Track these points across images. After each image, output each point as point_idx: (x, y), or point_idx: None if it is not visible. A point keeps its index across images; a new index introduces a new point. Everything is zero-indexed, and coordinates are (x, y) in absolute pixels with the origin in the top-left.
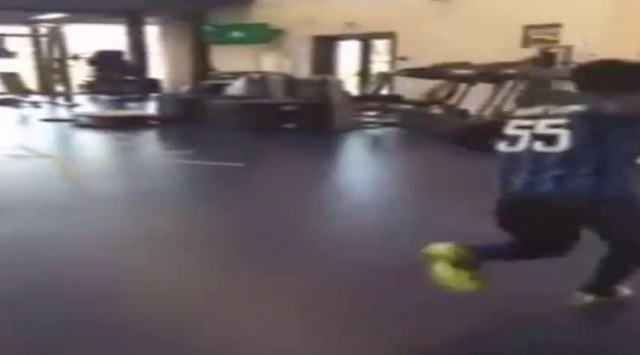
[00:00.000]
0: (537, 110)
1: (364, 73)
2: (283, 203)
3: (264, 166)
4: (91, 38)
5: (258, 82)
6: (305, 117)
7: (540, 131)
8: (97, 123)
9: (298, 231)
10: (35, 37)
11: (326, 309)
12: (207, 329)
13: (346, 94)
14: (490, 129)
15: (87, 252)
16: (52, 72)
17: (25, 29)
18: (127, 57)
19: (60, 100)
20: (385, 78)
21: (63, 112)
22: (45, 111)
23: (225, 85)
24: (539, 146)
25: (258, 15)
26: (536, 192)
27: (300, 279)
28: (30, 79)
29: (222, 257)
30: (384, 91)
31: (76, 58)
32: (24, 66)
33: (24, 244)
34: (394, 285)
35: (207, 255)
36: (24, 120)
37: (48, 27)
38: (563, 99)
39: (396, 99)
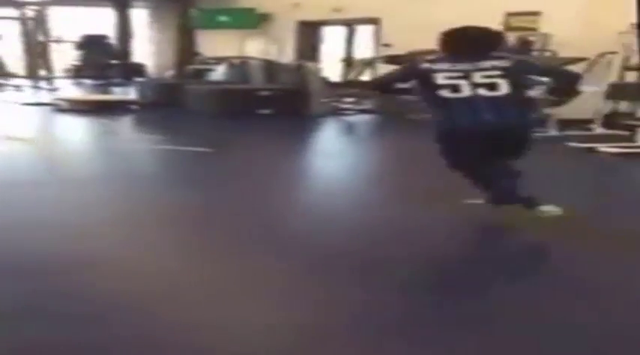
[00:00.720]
0: (465, 66)
1: (348, 60)
2: (244, 189)
3: (233, 151)
4: (79, 22)
5: (239, 67)
6: (282, 103)
7: (480, 81)
8: (77, 108)
9: (255, 216)
10: (21, 20)
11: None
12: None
13: (324, 80)
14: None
15: (55, 226)
16: (36, 55)
17: (11, 12)
18: (113, 41)
19: (43, 84)
20: (366, 64)
21: (44, 96)
22: (27, 94)
23: (208, 70)
24: (483, 92)
25: None
26: (482, 123)
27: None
28: (15, 63)
29: (181, 234)
30: (366, 78)
31: (59, 41)
32: (10, 49)
33: None
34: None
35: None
36: (4, 104)
37: (33, 9)
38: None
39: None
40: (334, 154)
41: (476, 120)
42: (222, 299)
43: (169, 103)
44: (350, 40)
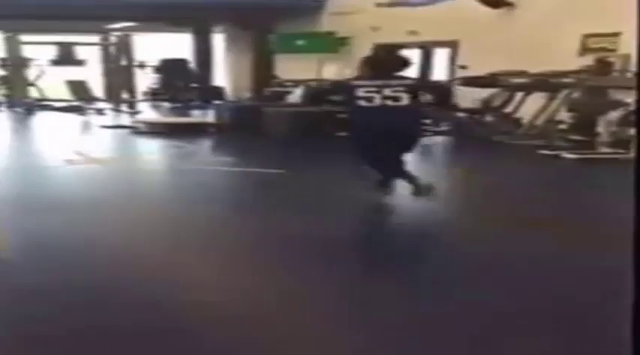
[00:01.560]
0: (378, 83)
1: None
2: (321, 212)
3: (309, 174)
4: (159, 46)
5: (315, 90)
6: None
7: (388, 94)
8: (155, 130)
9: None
10: (104, 45)
11: None
12: None
13: None
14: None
15: (124, 247)
16: (118, 79)
17: (94, 38)
18: (192, 65)
19: (123, 107)
20: None
21: (124, 119)
22: (108, 118)
23: (286, 93)
24: (390, 102)
25: (325, 23)
26: (387, 124)
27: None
28: (97, 87)
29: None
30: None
31: (142, 66)
32: (92, 73)
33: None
34: None
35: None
36: (85, 126)
37: (117, 36)
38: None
39: (451, 107)
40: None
41: (383, 122)
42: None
43: (247, 126)
44: (426, 63)
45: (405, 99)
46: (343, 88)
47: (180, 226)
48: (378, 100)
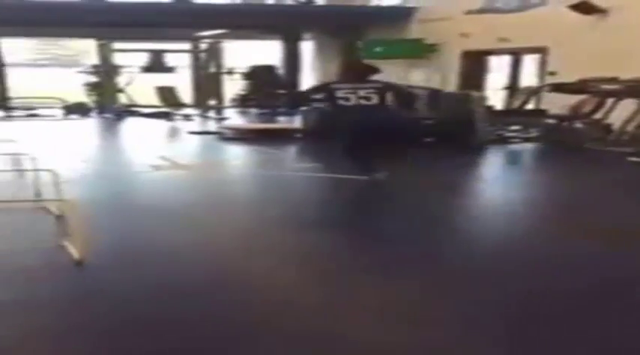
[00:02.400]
0: (353, 86)
1: (512, 88)
2: (409, 218)
3: (395, 179)
4: (248, 53)
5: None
6: (446, 132)
7: (361, 95)
8: (242, 136)
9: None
10: (194, 52)
11: None
12: None
13: (489, 109)
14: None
15: (213, 254)
16: (207, 86)
17: (184, 45)
18: (280, 71)
19: (211, 113)
20: (531, 92)
21: (212, 125)
22: (195, 124)
23: None
24: (363, 101)
25: (414, 30)
26: (365, 119)
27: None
28: (185, 93)
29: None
30: (530, 106)
31: (230, 72)
32: (181, 80)
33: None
34: None
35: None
36: (173, 132)
37: (207, 43)
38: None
39: (540, 113)
40: (498, 184)
41: (359, 118)
42: None
43: (333, 131)
44: (515, 69)
45: (375, 99)
46: (326, 89)
47: (267, 232)
48: (353, 100)
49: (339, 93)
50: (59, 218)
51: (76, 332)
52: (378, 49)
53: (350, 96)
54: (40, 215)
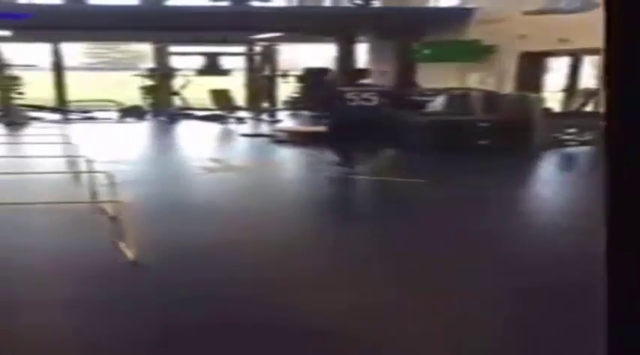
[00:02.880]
0: (358, 89)
1: (571, 90)
2: (461, 223)
3: (448, 183)
4: (302, 56)
5: (458, 98)
6: (502, 135)
7: (364, 96)
8: (293, 139)
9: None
10: (249, 55)
11: None
12: None
13: (546, 111)
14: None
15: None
16: (260, 88)
17: (239, 48)
18: (334, 74)
19: (264, 116)
20: (590, 95)
21: (264, 128)
22: (248, 126)
23: (426, 101)
24: (364, 102)
25: (471, 32)
26: (363, 118)
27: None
28: (239, 96)
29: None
30: (589, 108)
31: (285, 75)
32: (234, 83)
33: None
34: None
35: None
36: (226, 135)
37: (262, 46)
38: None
39: (597, 116)
40: (555, 189)
41: (359, 116)
42: None
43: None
44: (574, 71)
45: (375, 101)
46: (337, 92)
47: (320, 233)
48: (357, 101)
49: (347, 95)
50: (114, 218)
51: (136, 331)
52: (434, 51)
53: (354, 97)
54: (96, 215)
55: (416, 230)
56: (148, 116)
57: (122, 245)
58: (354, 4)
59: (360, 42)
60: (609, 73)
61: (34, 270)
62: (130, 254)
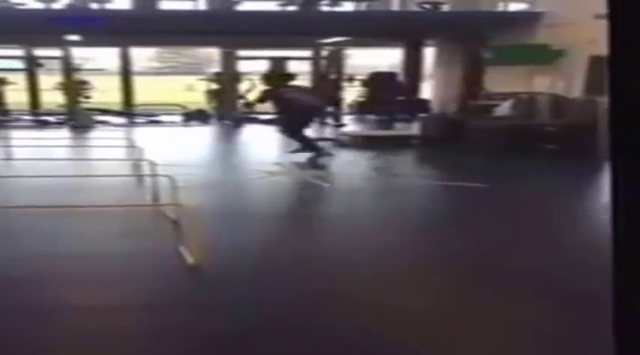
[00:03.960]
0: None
1: None
2: (524, 233)
3: (513, 189)
4: (370, 60)
5: (526, 102)
6: (569, 140)
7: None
8: (358, 143)
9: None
10: (315, 59)
11: None
12: None
13: None
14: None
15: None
16: (325, 93)
17: (306, 52)
18: (400, 78)
19: (328, 120)
20: None
21: (328, 132)
22: (311, 130)
23: (493, 105)
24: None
25: (540, 35)
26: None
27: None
28: None
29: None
30: None
31: (351, 79)
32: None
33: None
34: None
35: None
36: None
37: (328, 50)
38: None
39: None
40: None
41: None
42: None
43: (452, 139)
44: None
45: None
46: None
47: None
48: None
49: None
50: (176, 222)
51: (201, 337)
52: (503, 55)
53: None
54: (158, 219)
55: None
56: (213, 120)
57: (183, 249)
58: (423, 8)
59: (428, 46)
60: (614, 78)
61: (95, 274)
62: (190, 258)
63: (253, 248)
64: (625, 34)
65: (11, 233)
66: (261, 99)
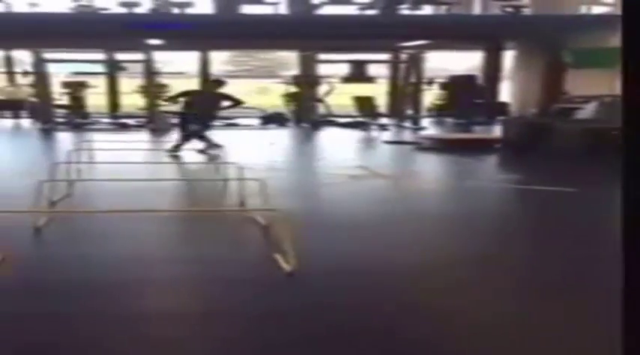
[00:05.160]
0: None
1: None
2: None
3: (601, 193)
4: (449, 63)
5: (608, 105)
6: None
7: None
8: (438, 146)
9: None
10: (394, 62)
11: None
12: None
13: None
14: None
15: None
16: (405, 96)
17: (385, 55)
18: (480, 81)
19: (407, 123)
20: None
21: (407, 135)
22: (391, 133)
23: (575, 108)
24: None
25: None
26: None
27: None
28: (381, 103)
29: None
30: None
31: (430, 82)
32: (378, 90)
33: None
34: None
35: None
36: (369, 142)
37: (408, 53)
38: None
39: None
40: None
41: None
42: None
43: (533, 142)
44: None
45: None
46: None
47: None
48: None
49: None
50: (266, 228)
51: (301, 345)
52: (585, 58)
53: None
54: (247, 224)
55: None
56: (290, 123)
57: (277, 255)
58: (505, 11)
59: (508, 49)
60: (627, 83)
61: (186, 280)
62: (285, 265)
63: (349, 253)
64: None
65: (101, 236)
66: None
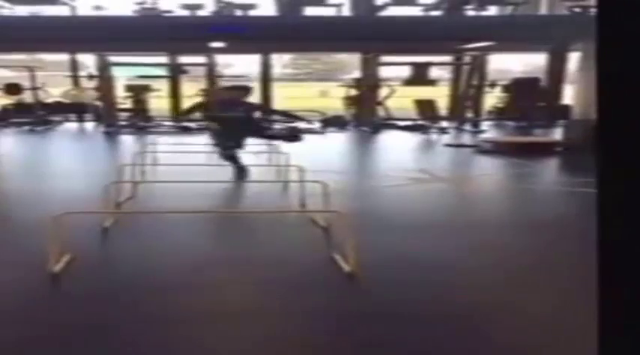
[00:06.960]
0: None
1: None
2: None
3: None
4: (510, 65)
5: None
6: None
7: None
8: (498, 149)
9: None
10: (457, 65)
11: None
12: None
13: None
14: None
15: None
16: (465, 99)
17: (448, 58)
18: (543, 84)
19: (467, 126)
20: None
21: (467, 138)
22: (451, 136)
23: None
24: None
25: None
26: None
27: None
28: (442, 105)
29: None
30: None
31: (493, 85)
32: (439, 93)
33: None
34: None
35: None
36: (429, 145)
37: (471, 55)
38: None
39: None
40: None
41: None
42: None
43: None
44: None
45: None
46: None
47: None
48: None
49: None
50: (326, 229)
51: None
52: None
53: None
54: (308, 226)
55: None
56: (350, 126)
57: (336, 257)
58: (572, 11)
59: (573, 50)
60: (601, 81)
61: (247, 281)
62: (346, 266)
63: (411, 256)
64: (612, 38)
65: (167, 236)
66: None
